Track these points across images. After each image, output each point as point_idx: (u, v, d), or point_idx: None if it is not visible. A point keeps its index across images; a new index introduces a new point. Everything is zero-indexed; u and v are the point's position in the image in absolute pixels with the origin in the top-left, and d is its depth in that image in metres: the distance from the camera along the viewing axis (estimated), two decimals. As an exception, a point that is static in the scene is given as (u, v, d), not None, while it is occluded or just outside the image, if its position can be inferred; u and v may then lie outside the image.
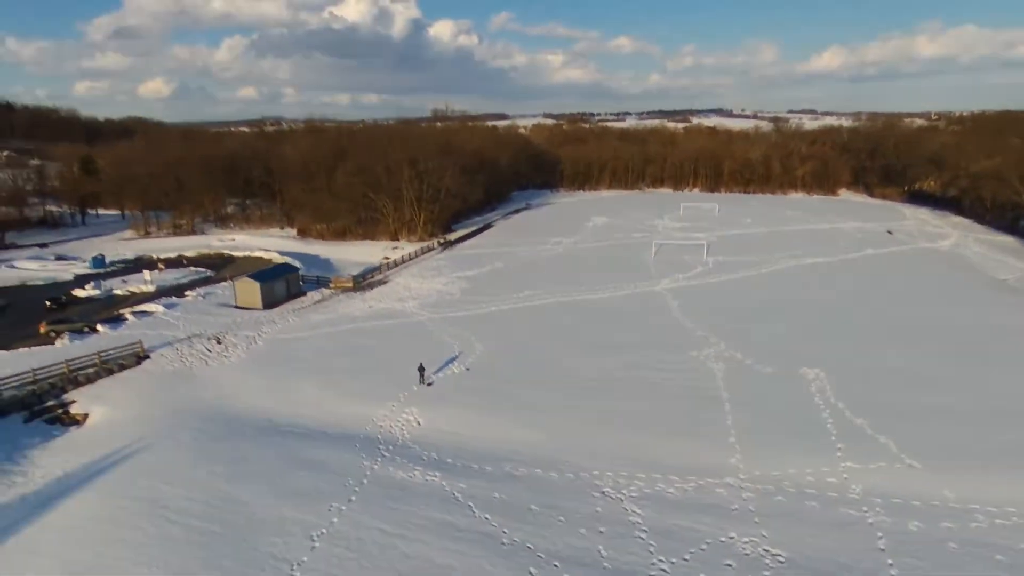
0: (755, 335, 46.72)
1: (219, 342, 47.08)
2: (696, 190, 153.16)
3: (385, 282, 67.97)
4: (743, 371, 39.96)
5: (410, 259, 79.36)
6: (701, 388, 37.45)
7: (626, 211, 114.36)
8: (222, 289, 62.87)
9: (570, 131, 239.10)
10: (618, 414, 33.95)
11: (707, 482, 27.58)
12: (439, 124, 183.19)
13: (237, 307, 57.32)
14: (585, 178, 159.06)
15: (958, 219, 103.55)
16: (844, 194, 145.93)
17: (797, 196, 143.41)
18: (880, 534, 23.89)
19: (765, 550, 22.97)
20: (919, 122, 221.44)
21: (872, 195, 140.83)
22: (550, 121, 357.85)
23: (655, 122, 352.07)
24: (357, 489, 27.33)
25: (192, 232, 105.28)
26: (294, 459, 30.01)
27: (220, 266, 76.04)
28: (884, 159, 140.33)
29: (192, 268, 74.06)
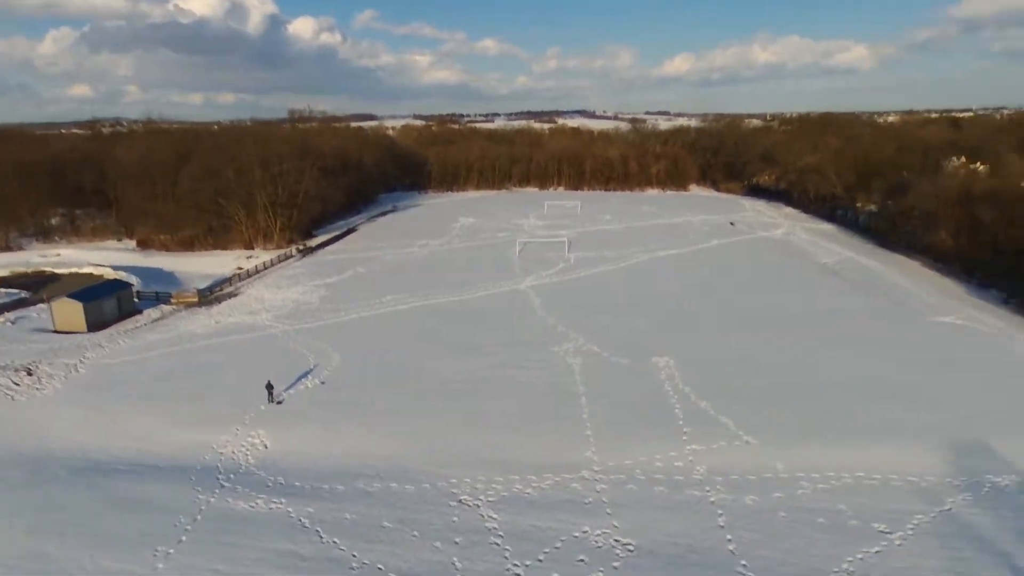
0: (612, 328, 48.36)
1: (30, 373, 41.11)
2: (561, 189, 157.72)
3: (236, 294, 63.18)
4: (600, 364, 41.08)
5: (265, 268, 74.48)
6: (561, 384, 37.96)
7: (493, 211, 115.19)
8: (38, 312, 55.33)
9: (439, 132, 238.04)
10: (480, 416, 33.52)
11: (563, 478, 27.77)
12: (299, 125, 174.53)
13: (56, 331, 50.59)
14: (453, 179, 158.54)
15: (789, 209, 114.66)
16: (694, 189, 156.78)
17: (653, 192, 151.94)
18: (720, 511, 25.17)
19: (616, 540, 23.38)
20: (756, 122, 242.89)
21: (718, 190, 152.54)
22: (419, 122, 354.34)
23: (523, 123, 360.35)
24: (189, 528, 24.61)
25: (7, 248, 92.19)
26: (115, 500, 26.55)
27: (39, 286, 66.88)
28: (726, 157, 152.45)
29: (1, 290, 64.58)
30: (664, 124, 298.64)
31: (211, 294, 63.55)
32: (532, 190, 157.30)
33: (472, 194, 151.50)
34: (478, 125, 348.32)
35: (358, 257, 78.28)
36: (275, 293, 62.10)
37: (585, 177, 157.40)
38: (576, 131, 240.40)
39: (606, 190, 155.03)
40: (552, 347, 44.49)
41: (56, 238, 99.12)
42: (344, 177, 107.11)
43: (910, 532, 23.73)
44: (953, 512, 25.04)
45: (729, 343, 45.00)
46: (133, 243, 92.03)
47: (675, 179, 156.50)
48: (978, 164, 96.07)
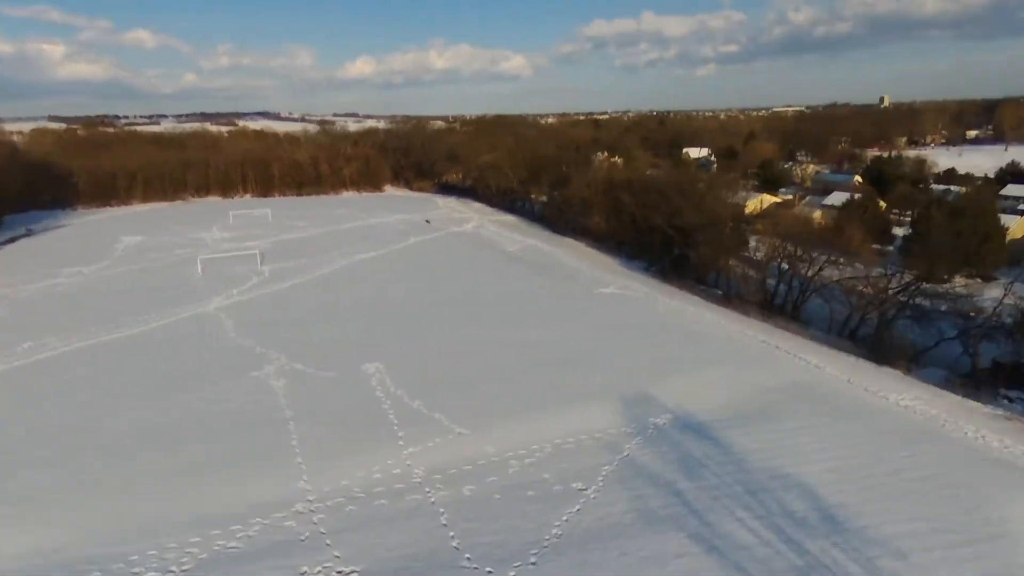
0: (316, 341, 45.80)
1: None
2: (248, 196, 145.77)
3: None
4: (306, 382, 38.42)
5: None
6: (264, 412, 34.38)
7: (167, 225, 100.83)
8: None
9: (87, 136, 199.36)
10: (166, 469, 28.37)
11: (274, 519, 24.98)
12: None
13: None
14: (111, 191, 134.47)
15: (477, 204, 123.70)
16: (389, 190, 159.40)
17: (348, 195, 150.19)
18: (441, 509, 25.29)
19: (338, 572, 21.78)
20: (440, 124, 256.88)
21: (412, 189, 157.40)
22: (58, 125, 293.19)
23: (196, 125, 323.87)
24: None
25: None
26: None
27: None
28: (416, 157, 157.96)
29: None
30: (353, 126, 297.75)
31: None
32: (214, 199, 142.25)
33: (139, 208, 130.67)
34: (139, 128, 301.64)
35: (-20, 296, 60.97)
36: None
37: (274, 182, 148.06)
38: (260, 133, 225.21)
39: (299, 195, 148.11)
40: (251, 372, 40.18)
41: None
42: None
43: (601, 483, 26.89)
44: (630, 456, 29.16)
45: (435, 337, 46.18)
46: None
47: (369, 180, 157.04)
48: (616, 157, 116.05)
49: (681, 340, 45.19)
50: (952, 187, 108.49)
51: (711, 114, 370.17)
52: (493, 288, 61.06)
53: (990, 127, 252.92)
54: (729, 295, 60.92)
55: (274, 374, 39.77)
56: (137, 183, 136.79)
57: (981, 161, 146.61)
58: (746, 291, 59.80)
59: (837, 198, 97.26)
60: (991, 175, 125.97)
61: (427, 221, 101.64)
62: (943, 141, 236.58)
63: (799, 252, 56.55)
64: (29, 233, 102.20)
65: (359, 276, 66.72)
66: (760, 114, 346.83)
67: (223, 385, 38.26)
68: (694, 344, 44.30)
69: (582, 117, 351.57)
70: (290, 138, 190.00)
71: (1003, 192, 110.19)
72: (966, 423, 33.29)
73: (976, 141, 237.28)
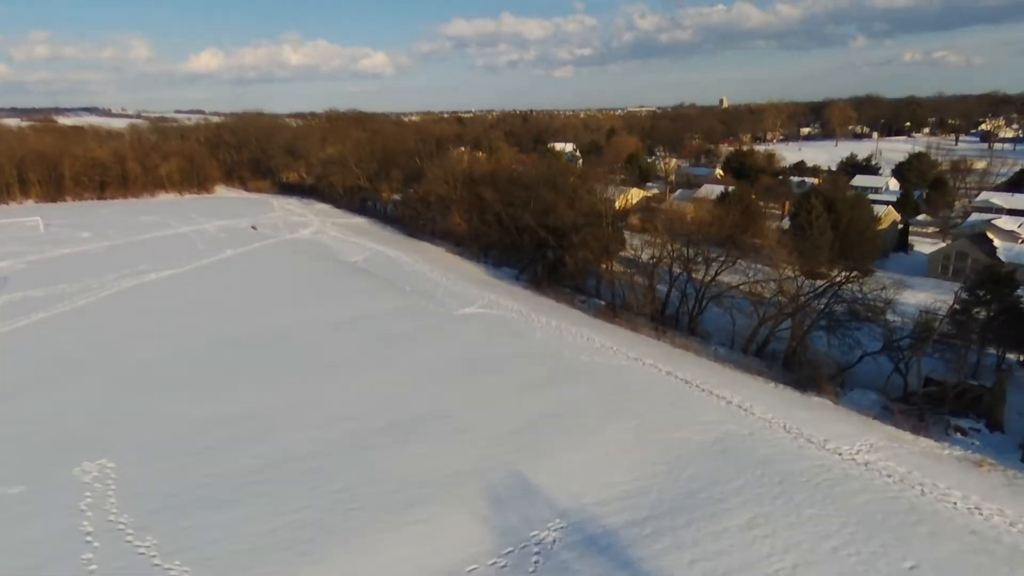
0: (19, 422, 29.27)
1: None
2: (30, 202, 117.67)
3: None
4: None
5: None
6: None
7: None
8: None
9: None
10: None
11: None
12: None
13: None
14: None
15: (320, 206, 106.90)
16: (221, 191, 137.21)
17: (167, 197, 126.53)
18: None
19: None
20: (292, 122, 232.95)
21: (248, 189, 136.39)
22: None
23: (7, 120, 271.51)
24: None
25: None
26: None
27: None
28: (251, 152, 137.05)
29: None
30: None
31: None
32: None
33: None
34: None
35: None
36: None
37: (65, 184, 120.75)
38: (59, 129, 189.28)
39: (100, 199, 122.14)
40: None
41: None
42: None
43: None
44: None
45: (208, 402, 31.22)
46: None
47: (194, 180, 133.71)
48: (479, 152, 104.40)
49: (564, 381, 33.94)
50: (805, 179, 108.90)
51: (572, 113, 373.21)
52: (319, 315, 46.56)
53: (818, 125, 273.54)
54: (615, 306, 51.09)
55: (-94, 499, 23.24)
56: None
57: (816, 155, 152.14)
58: (634, 301, 50.22)
59: (709, 190, 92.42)
60: (833, 167, 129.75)
61: (253, 227, 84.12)
62: (782, 137, 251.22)
63: (692, 254, 47.76)
64: None
65: (134, 306, 49.26)
66: (617, 113, 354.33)
67: None
68: (583, 386, 33.21)
69: (447, 115, 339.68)
70: (105, 134, 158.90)
71: (852, 183, 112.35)
72: (945, 484, 24.73)
73: (809, 138, 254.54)
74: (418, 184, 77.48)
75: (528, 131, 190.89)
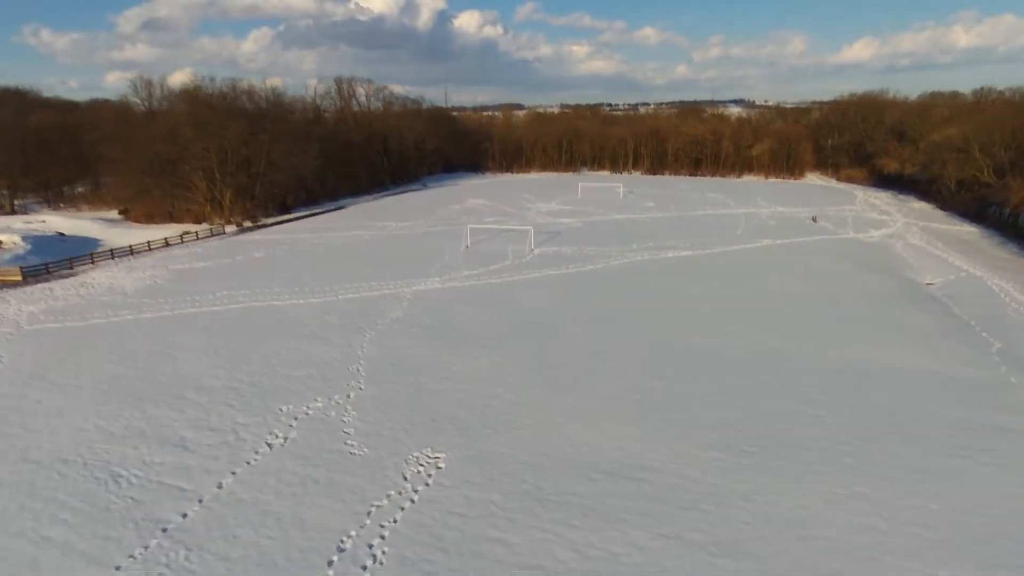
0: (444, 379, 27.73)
1: None
2: (638, 173, 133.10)
3: (75, 274, 50.00)
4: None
5: (164, 246, 61.17)
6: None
7: (517, 193, 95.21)
8: None
9: (546, 116, 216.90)
10: None
11: None
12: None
13: None
14: (514, 158, 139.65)
15: (919, 204, 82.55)
16: (810, 177, 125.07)
17: (752, 179, 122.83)
18: None
19: None
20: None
21: (838, 178, 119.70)
22: (563, 111, 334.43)
23: (670, 111, 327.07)
24: None
25: (12, 212, 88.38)
26: None
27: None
28: (851, 136, 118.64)
29: None
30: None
31: (47, 271, 50.80)
32: (603, 173, 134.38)
33: (531, 176, 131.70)
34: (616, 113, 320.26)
35: (292, 238, 62.98)
36: (127, 275, 48.28)
37: (667, 159, 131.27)
38: (695, 112, 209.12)
39: (693, 175, 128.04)
40: (331, 394, 25.16)
41: (60, 205, 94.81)
42: (316, 147, 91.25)
43: None
44: None
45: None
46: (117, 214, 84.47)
47: (784, 164, 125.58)
48: None
49: None
50: None
51: None
52: (812, 352, 31.63)
53: None
54: None
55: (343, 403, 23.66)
56: (536, 152, 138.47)
57: None
58: None
59: None
60: None
61: (813, 219, 70.09)
62: None
63: None
64: (424, 187, 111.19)
65: (630, 281, 44.95)
66: None
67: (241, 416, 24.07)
68: None
69: None
70: (744, 121, 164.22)
71: None
72: None
73: None
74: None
75: None
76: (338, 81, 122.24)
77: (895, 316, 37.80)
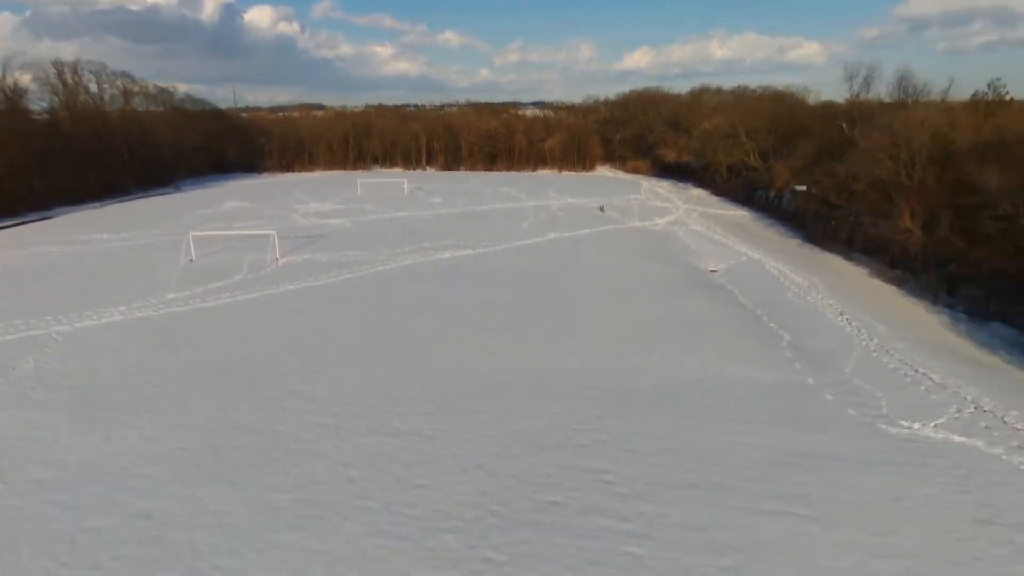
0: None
1: None
2: (432, 169, 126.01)
3: None
4: None
5: None
6: None
7: (289, 193, 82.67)
8: None
9: (344, 114, 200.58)
10: None
11: None
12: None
13: None
14: (295, 156, 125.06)
15: (697, 191, 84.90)
16: (601, 170, 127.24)
17: (545, 173, 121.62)
18: None
19: None
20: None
21: (626, 169, 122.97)
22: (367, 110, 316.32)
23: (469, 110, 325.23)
24: None
25: None
26: None
27: None
28: (635, 129, 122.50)
29: None
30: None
31: None
32: (397, 170, 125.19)
33: (314, 175, 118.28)
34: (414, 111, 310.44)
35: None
36: None
37: (462, 155, 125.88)
38: (489, 108, 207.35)
39: (488, 170, 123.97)
40: None
41: None
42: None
43: None
44: None
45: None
46: None
47: (575, 157, 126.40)
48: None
49: None
50: None
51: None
52: (613, 367, 25.71)
53: None
54: None
55: None
56: (319, 149, 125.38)
57: None
58: None
59: None
60: None
61: (600, 209, 67.53)
62: None
63: None
64: (176, 191, 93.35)
65: (379, 291, 36.36)
66: None
67: None
68: None
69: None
70: (539, 120, 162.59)
71: None
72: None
73: None
74: (837, 163, 48.75)
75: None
76: (57, 66, 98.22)
77: (686, 312, 33.46)
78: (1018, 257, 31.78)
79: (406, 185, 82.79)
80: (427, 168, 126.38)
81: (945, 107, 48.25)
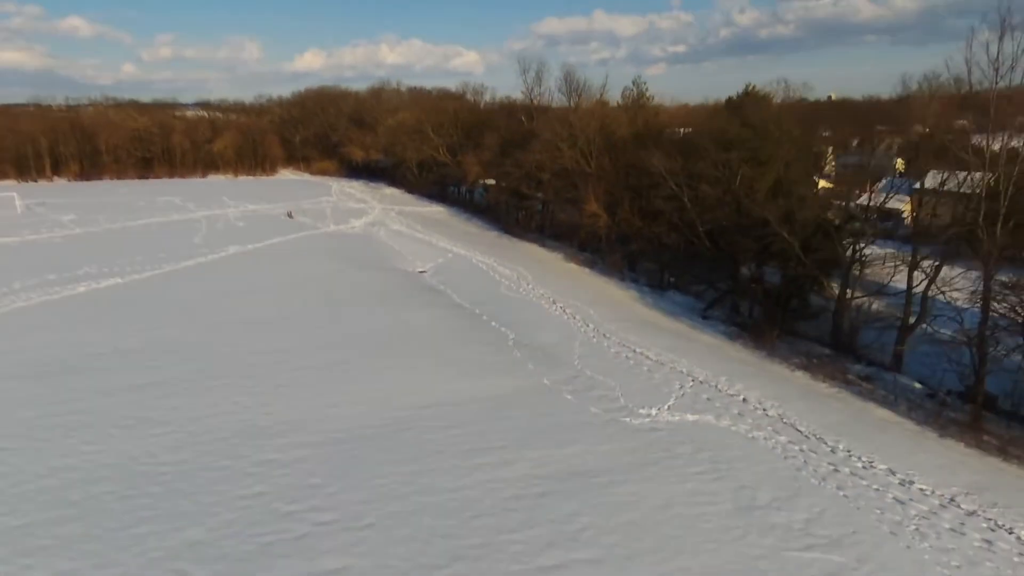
0: None
1: None
2: (62, 180, 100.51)
3: None
4: None
5: None
6: None
7: None
8: None
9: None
10: None
11: None
12: None
13: None
14: None
15: (391, 190, 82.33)
16: (284, 172, 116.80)
17: (216, 178, 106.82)
18: None
19: None
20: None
21: (311, 171, 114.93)
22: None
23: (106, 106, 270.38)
24: None
25: None
26: None
27: None
28: (316, 129, 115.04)
29: None
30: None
31: None
32: (7, 183, 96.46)
33: None
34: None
35: None
36: None
37: (103, 161, 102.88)
38: (135, 104, 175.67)
39: (143, 178, 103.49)
40: None
41: None
42: None
43: None
44: None
45: None
46: None
47: (252, 160, 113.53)
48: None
49: None
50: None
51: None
52: (322, 408, 20.37)
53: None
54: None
55: None
56: None
57: None
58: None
59: None
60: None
61: (288, 215, 60.09)
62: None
63: None
64: None
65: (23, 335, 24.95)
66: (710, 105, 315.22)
67: None
68: None
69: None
70: (172, 114, 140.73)
71: None
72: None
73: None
74: (522, 152, 50.24)
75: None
76: None
77: (405, 322, 29.52)
78: (683, 230, 35.37)
79: (18, 201, 62.83)
80: (53, 179, 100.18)
81: (603, 103, 53.15)
